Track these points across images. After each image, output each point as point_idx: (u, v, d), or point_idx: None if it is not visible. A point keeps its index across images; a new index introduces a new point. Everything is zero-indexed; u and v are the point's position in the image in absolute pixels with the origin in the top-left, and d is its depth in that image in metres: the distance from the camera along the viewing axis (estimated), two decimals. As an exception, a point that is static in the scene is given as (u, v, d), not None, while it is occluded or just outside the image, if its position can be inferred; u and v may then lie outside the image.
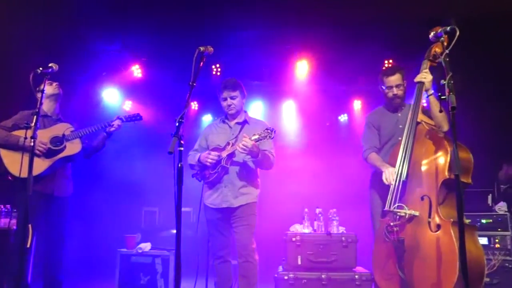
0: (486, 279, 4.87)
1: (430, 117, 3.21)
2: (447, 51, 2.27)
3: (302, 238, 4.11)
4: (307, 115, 6.80)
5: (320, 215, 4.33)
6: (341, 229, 4.28)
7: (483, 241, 5.09)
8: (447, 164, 2.81)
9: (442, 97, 2.14)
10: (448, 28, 2.40)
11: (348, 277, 3.94)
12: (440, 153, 2.89)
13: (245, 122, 3.58)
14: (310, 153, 6.29)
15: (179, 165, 2.19)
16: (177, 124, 2.25)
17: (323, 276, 3.95)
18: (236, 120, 3.58)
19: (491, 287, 4.87)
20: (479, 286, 2.71)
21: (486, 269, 4.87)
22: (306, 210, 4.40)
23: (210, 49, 2.72)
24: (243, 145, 3.16)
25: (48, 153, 3.46)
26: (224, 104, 3.54)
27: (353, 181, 3.85)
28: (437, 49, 3.11)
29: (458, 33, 2.32)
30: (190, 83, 2.50)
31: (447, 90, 2.11)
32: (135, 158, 6.54)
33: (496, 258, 4.93)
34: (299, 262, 4.06)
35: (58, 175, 3.55)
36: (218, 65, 6.29)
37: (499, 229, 5.05)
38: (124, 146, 6.53)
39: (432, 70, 3.15)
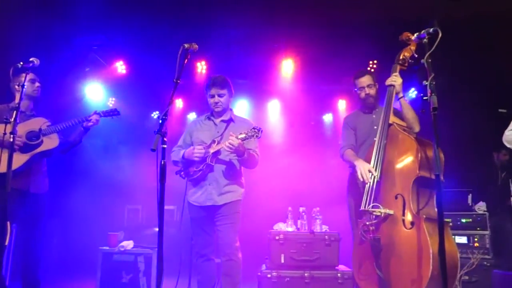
0: (465, 277, 4.98)
1: (401, 118, 3.32)
2: (429, 53, 2.29)
3: (285, 237, 4.12)
4: (292, 114, 6.83)
5: (303, 213, 4.35)
6: (324, 228, 4.31)
7: (463, 240, 5.20)
8: (418, 163, 2.90)
9: (424, 97, 2.17)
10: (431, 30, 2.43)
11: (331, 275, 3.97)
12: (410, 153, 2.97)
13: (230, 120, 3.56)
14: (295, 152, 6.32)
15: (162, 162, 2.18)
16: (160, 121, 2.23)
17: (306, 274, 3.96)
18: (221, 118, 3.56)
19: (469, 285, 4.97)
20: (454, 280, 2.83)
21: (466, 267, 4.99)
22: (290, 208, 4.41)
23: (195, 46, 2.70)
24: (229, 143, 3.14)
25: (24, 148, 3.38)
26: (211, 101, 3.50)
27: (337, 180, 3.88)
28: (406, 53, 3.26)
29: (440, 34, 2.35)
30: (174, 80, 2.49)
31: (429, 91, 2.15)
32: (119, 156, 6.49)
33: (475, 257, 5.02)
34: (282, 261, 4.07)
35: (34, 171, 3.47)
36: (203, 63, 6.27)
37: (478, 228, 5.16)
38: (108, 143, 6.49)
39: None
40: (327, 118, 7.05)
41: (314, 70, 6.30)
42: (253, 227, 4.81)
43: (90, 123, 3.64)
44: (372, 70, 5.97)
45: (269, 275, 3.97)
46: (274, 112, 6.94)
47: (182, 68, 2.57)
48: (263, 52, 5.99)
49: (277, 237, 4.11)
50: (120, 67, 6.29)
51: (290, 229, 4.30)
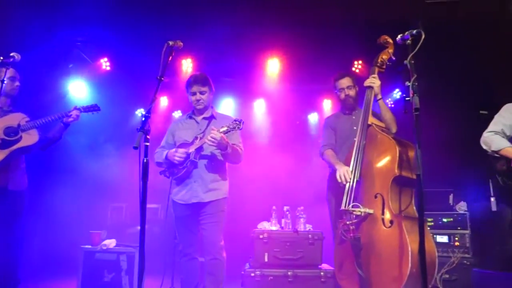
0: (446, 276, 5.05)
1: (380, 119, 3.39)
2: (412, 54, 2.32)
3: (269, 236, 4.14)
4: (277, 113, 6.83)
5: (287, 212, 4.38)
6: (308, 227, 4.34)
7: (444, 239, 5.28)
8: (396, 163, 2.96)
9: (407, 98, 2.20)
10: (414, 32, 2.46)
11: (314, 274, 4.00)
12: (389, 153, 3.03)
13: (212, 117, 3.53)
14: (280, 151, 6.32)
15: (145, 160, 2.16)
16: (143, 118, 2.21)
17: (289, 273, 3.98)
18: (203, 115, 3.54)
19: (450, 284, 5.05)
20: (432, 277, 2.89)
21: (446, 265, 5.07)
22: (274, 207, 4.43)
23: (180, 43, 2.70)
24: (211, 137, 3.12)
25: (2, 144, 3.32)
26: (193, 98, 3.48)
27: (321, 180, 3.89)
28: (384, 56, 3.36)
29: (423, 36, 2.38)
30: (158, 77, 2.47)
31: (411, 91, 2.17)
32: (103, 153, 6.41)
33: (455, 256, 5.11)
34: (266, 259, 4.09)
35: (12, 167, 3.41)
36: (189, 61, 6.24)
37: (458, 228, 5.24)
38: (92, 140, 6.41)
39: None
40: (313, 117, 7.07)
41: (300, 70, 6.31)
42: (237, 226, 4.80)
43: (70, 119, 3.59)
44: (357, 70, 6.03)
45: (252, 274, 3.98)
46: (260, 111, 6.94)
47: (166, 66, 2.57)
48: (249, 51, 5.98)
49: (261, 236, 4.12)
50: (105, 63, 6.21)
51: (274, 228, 4.32)
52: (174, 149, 3.39)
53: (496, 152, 3.15)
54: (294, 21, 5.53)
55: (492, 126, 3.25)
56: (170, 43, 2.63)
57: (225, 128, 3.17)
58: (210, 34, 5.51)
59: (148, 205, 6.93)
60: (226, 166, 3.54)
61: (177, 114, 6.99)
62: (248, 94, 6.84)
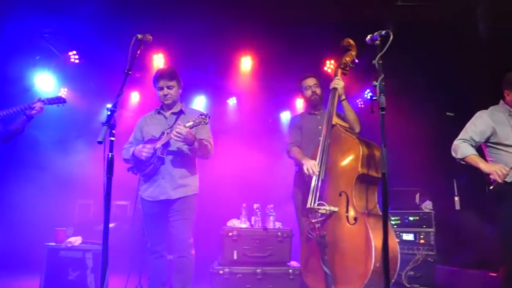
0: (411, 273, 5.18)
1: (344, 120, 3.47)
2: (380, 54, 2.35)
3: (238, 233, 4.13)
4: (250, 111, 6.83)
5: (257, 210, 4.38)
6: (278, 224, 4.35)
7: (410, 237, 5.41)
8: (359, 161, 3.03)
9: (373, 98, 2.23)
10: (383, 32, 2.49)
11: (282, 271, 4.02)
12: (353, 152, 3.11)
13: (181, 112, 3.46)
14: (251, 148, 6.32)
15: (110, 155, 2.11)
16: (108, 112, 2.16)
17: (258, 270, 3.99)
18: (172, 111, 3.46)
19: (414, 280, 5.17)
20: (394, 272, 2.96)
21: (412, 262, 5.19)
22: (244, 205, 4.43)
23: (149, 37, 2.65)
24: (177, 132, 3.05)
25: None
26: (160, 93, 3.40)
27: (292, 178, 3.91)
28: (347, 58, 3.46)
29: (392, 37, 2.42)
30: (125, 71, 2.42)
31: (378, 91, 2.20)
32: (71, 148, 6.25)
33: (420, 253, 5.24)
34: (235, 257, 4.08)
35: None
36: (161, 56, 6.15)
37: (424, 226, 5.38)
38: (60, 135, 6.24)
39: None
40: (285, 115, 7.11)
41: (273, 68, 6.33)
42: (207, 223, 4.78)
43: (34, 111, 3.48)
44: (329, 70, 6.10)
45: (221, 272, 3.97)
46: (233, 109, 6.92)
47: (134, 59, 2.51)
48: (222, 48, 5.95)
49: (230, 234, 4.11)
50: (73, 56, 6.04)
51: (243, 225, 4.31)
52: (141, 145, 3.32)
53: (462, 159, 3.25)
54: (267, 19, 5.53)
55: (462, 133, 3.35)
56: (139, 36, 2.57)
57: (191, 123, 3.11)
58: (182, 30, 5.45)
59: (117, 202, 6.84)
60: (196, 162, 3.48)
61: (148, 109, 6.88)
62: (221, 91, 6.81)
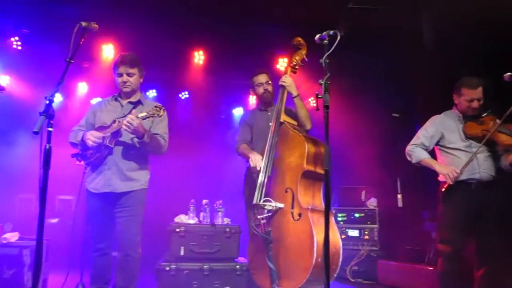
0: (355, 268, 5.36)
1: (294, 117, 3.51)
2: (327, 53, 2.39)
3: (186, 229, 4.09)
4: (202, 106, 6.77)
5: (206, 206, 4.35)
6: (226, 220, 4.35)
7: (355, 233, 5.59)
8: (305, 158, 3.08)
9: (319, 96, 2.26)
10: (331, 32, 2.53)
11: (230, 267, 4.03)
12: (298, 149, 3.15)
13: (138, 102, 3.31)
14: (202, 144, 6.28)
15: (47, 147, 2.01)
16: (47, 102, 2.05)
17: (205, 266, 3.97)
18: (129, 99, 3.31)
19: (358, 275, 5.36)
20: (336, 267, 3.00)
21: (356, 258, 5.36)
22: (192, 201, 4.39)
23: (94, 26, 2.53)
24: (128, 122, 2.90)
25: None
26: (119, 80, 3.24)
27: (242, 174, 3.91)
28: (297, 57, 3.49)
29: (339, 37, 2.46)
30: (67, 59, 2.31)
31: (323, 89, 2.24)
32: (12, 140, 5.92)
33: (364, 249, 5.43)
34: (182, 253, 4.04)
35: None
36: (111, 46, 5.95)
37: (368, 222, 5.58)
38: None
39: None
40: (238, 112, 7.10)
41: (226, 64, 6.31)
42: (154, 219, 4.66)
43: None
44: (282, 67, 6.15)
45: (167, 268, 3.91)
46: (184, 103, 6.83)
47: (77, 48, 2.40)
48: (174, 41, 5.84)
49: (177, 229, 4.06)
50: (15, 43, 5.72)
51: (192, 221, 4.27)
52: (91, 131, 3.13)
53: (417, 163, 3.43)
54: (221, 14, 5.50)
55: (414, 139, 3.52)
56: (83, 24, 2.46)
57: (144, 114, 2.98)
58: (134, 21, 5.31)
59: (61, 197, 6.55)
60: (148, 155, 3.33)
61: (95, 101, 6.65)
62: (172, 85, 6.69)
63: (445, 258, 3.25)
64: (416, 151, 3.43)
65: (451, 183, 3.17)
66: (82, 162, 3.23)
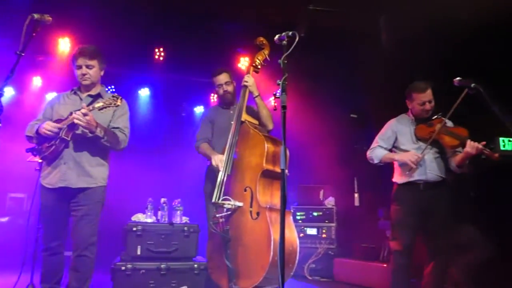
0: (312, 265, 5.45)
1: (254, 116, 3.54)
2: (285, 54, 2.41)
3: (143, 228, 4.01)
4: (162, 103, 6.69)
5: (164, 204, 4.30)
6: (185, 219, 4.31)
7: (313, 231, 5.68)
8: (264, 157, 3.12)
9: (277, 96, 2.29)
10: (290, 33, 2.56)
11: (188, 266, 3.98)
12: (258, 148, 3.19)
13: (98, 95, 3.18)
14: (162, 141, 6.20)
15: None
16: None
17: (162, 266, 3.91)
18: (89, 93, 3.19)
19: (315, 272, 5.46)
20: (293, 265, 3.06)
21: (314, 256, 5.46)
22: (150, 199, 4.32)
23: (48, 18, 2.46)
24: (79, 115, 2.79)
25: None
26: (78, 72, 3.12)
27: (201, 172, 3.89)
28: (259, 57, 3.55)
29: (297, 38, 2.49)
30: (17, 52, 2.22)
31: (281, 90, 2.27)
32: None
33: (322, 247, 5.54)
34: (139, 252, 3.96)
35: None
36: (67, 40, 5.76)
37: (326, 221, 5.69)
38: None
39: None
40: (199, 110, 7.06)
41: (188, 62, 6.24)
42: (111, 218, 4.55)
43: None
44: (243, 67, 6.17)
45: (123, 268, 3.82)
46: (145, 100, 6.71)
47: (28, 40, 2.32)
48: (135, 36, 5.71)
49: (134, 228, 3.98)
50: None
51: (149, 220, 4.20)
52: (48, 121, 3.00)
53: (380, 162, 3.53)
54: (183, 10, 5.44)
55: (372, 144, 3.64)
56: (35, 16, 2.38)
57: (100, 104, 2.87)
58: (92, 14, 5.15)
59: (12, 195, 6.29)
60: (107, 150, 3.20)
61: (50, 96, 6.42)
62: (132, 81, 6.55)
63: (396, 255, 3.37)
64: (375, 151, 3.55)
65: (414, 166, 3.27)
66: (37, 158, 3.10)
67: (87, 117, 2.81)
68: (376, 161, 3.54)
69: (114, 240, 4.56)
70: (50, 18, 2.48)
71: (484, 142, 3.15)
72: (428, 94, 3.37)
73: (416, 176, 3.35)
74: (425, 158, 3.34)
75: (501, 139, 5.01)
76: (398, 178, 3.49)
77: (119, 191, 5.27)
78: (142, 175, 5.73)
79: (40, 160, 3.90)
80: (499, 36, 4.37)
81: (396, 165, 3.53)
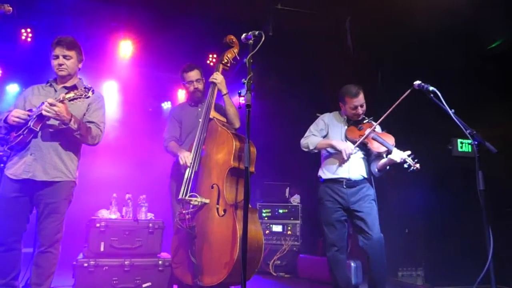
0: (277, 262, 5.53)
1: (222, 114, 3.56)
2: (251, 53, 2.45)
3: (107, 224, 3.96)
4: (129, 99, 6.58)
5: (129, 200, 4.26)
6: (150, 216, 4.29)
7: (279, 228, 5.76)
8: (232, 155, 3.14)
9: (242, 95, 2.32)
10: (257, 33, 2.60)
11: (152, 262, 3.96)
12: (226, 146, 3.21)
13: (74, 87, 3.08)
14: (128, 137, 6.10)
15: None
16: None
17: (126, 262, 3.87)
18: (64, 84, 3.12)
19: (280, 268, 5.54)
20: (258, 262, 3.10)
21: (279, 252, 5.54)
22: (114, 195, 4.26)
23: (8, 8, 2.41)
24: (47, 106, 2.72)
25: None
26: (55, 63, 3.05)
27: (167, 168, 3.87)
28: (229, 55, 3.58)
29: (263, 38, 2.53)
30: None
31: (245, 88, 2.30)
32: None
33: (286, 244, 5.62)
34: (102, 249, 3.91)
35: None
36: (29, 30, 5.57)
37: (291, 218, 5.78)
38: None
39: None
40: (166, 105, 7.00)
41: (156, 56, 6.19)
42: (73, 213, 4.46)
43: None
44: (211, 63, 6.16)
45: (85, 264, 3.76)
46: (110, 94, 6.57)
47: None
48: (101, 29, 5.61)
49: (97, 225, 3.92)
50: None
51: (113, 216, 4.15)
52: (16, 109, 2.91)
53: (315, 148, 3.56)
54: (151, 5, 5.38)
55: (306, 134, 3.70)
56: (-5, 6, 2.31)
57: (71, 94, 2.79)
58: (55, 4, 5.02)
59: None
60: (79, 144, 3.12)
61: (12, 88, 6.21)
62: (96, 74, 6.40)
63: (328, 251, 3.49)
64: (310, 138, 3.59)
65: (346, 158, 3.36)
66: (4, 147, 2.98)
67: (55, 108, 2.74)
68: (311, 147, 3.54)
69: (76, 236, 4.47)
70: (11, 8, 2.42)
71: (409, 152, 3.28)
72: (360, 99, 3.45)
73: (340, 174, 3.45)
74: (351, 158, 3.44)
75: (459, 140, 5.26)
76: (323, 173, 3.58)
77: (83, 186, 5.16)
78: (106, 170, 5.63)
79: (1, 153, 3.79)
80: (456, 39, 4.57)
81: (323, 158, 3.62)
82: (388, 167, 3.42)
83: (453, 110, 2.91)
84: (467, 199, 3.64)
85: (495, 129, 4.28)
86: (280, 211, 5.83)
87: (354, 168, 3.46)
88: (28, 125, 2.84)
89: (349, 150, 3.35)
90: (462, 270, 4.39)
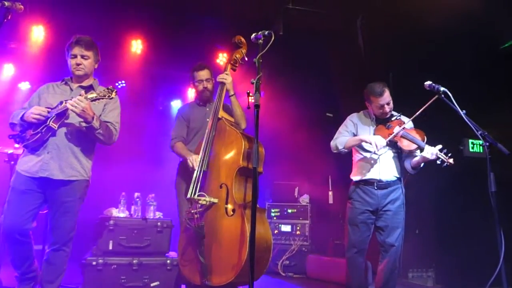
0: (286, 262, 5.51)
1: (230, 114, 3.55)
2: (261, 53, 2.43)
3: (116, 223, 3.98)
4: (139, 97, 6.58)
5: (138, 199, 4.27)
6: (158, 214, 4.29)
7: (288, 228, 5.74)
8: (241, 155, 3.12)
9: (250, 95, 2.30)
10: (266, 32, 2.58)
11: (160, 261, 3.97)
12: (235, 145, 3.20)
13: (90, 87, 3.11)
14: (138, 135, 6.11)
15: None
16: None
17: (134, 261, 3.89)
18: (80, 84, 3.13)
19: (289, 269, 5.52)
20: (267, 262, 3.09)
21: (288, 252, 5.52)
22: (123, 193, 4.28)
23: (19, 6, 2.41)
24: (75, 102, 2.73)
25: None
26: (72, 62, 3.06)
27: (175, 167, 3.87)
28: (237, 55, 3.55)
29: (273, 38, 2.51)
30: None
31: (254, 88, 2.28)
32: None
33: (296, 244, 5.60)
34: (111, 247, 3.93)
35: None
36: (41, 28, 5.62)
37: (300, 218, 5.75)
38: None
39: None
40: (176, 104, 7.00)
41: (166, 55, 6.19)
42: (83, 212, 4.50)
43: None
44: (222, 62, 6.15)
45: (94, 263, 3.78)
46: (120, 93, 6.58)
47: (-1, 28, 2.26)
48: (111, 26, 5.61)
49: (106, 223, 3.94)
50: None
51: (122, 214, 4.17)
52: (36, 106, 2.92)
53: (345, 147, 3.50)
54: (162, 4, 5.39)
55: (336, 135, 3.65)
56: (6, 4, 2.33)
57: (94, 95, 2.80)
58: (67, 3, 5.05)
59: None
60: (94, 144, 3.13)
61: (24, 85, 6.26)
62: (108, 73, 6.43)
63: (348, 252, 3.46)
64: (339, 139, 3.53)
65: (377, 152, 3.30)
66: (19, 145, 3.00)
67: (82, 104, 2.76)
68: (340, 147, 3.49)
69: (85, 235, 4.49)
70: (22, 7, 2.43)
71: (440, 146, 3.22)
72: (385, 97, 3.40)
73: (370, 175, 3.41)
74: (381, 158, 3.40)
75: (470, 141, 5.19)
76: (354, 175, 3.54)
77: (92, 185, 5.20)
78: (115, 169, 5.65)
79: (11, 151, 3.81)
80: (467, 38, 4.50)
81: (354, 161, 3.58)
82: (422, 164, 3.35)
83: (464, 111, 2.87)
84: (479, 200, 3.58)
85: (508, 130, 4.21)
86: (289, 210, 5.81)
87: (385, 169, 3.42)
88: (47, 123, 2.85)
89: (380, 142, 3.27)
90: (473, 272, 4.34)
